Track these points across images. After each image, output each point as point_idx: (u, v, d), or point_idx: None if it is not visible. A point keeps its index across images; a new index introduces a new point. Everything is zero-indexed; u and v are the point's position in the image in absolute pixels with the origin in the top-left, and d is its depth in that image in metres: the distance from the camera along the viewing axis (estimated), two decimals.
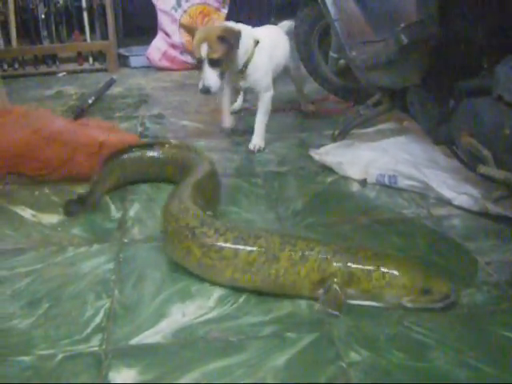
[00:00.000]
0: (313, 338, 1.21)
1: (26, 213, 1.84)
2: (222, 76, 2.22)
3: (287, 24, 2.91)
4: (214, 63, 2.18)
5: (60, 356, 1.17)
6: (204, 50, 2.16)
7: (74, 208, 1.79)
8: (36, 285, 1.43)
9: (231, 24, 2.33)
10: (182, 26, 2.40)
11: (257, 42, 2.34)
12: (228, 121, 2.59)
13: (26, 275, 1.47)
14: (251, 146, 2.38)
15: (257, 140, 2.40)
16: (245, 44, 2.27)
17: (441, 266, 1.48)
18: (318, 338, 1.21)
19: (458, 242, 1.61)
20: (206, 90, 2.19)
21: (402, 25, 1.64)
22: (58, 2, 3.91)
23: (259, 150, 2.37)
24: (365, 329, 1.24)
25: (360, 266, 1.30)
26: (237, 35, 2.21)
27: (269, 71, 2.45)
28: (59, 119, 2.34)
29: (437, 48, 1.63)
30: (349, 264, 1.30)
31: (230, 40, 2.17)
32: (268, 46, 2.44)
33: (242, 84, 2.42)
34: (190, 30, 2.33)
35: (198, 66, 2.25)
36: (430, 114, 1.81)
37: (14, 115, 2.19)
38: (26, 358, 1.17)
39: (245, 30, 2.30)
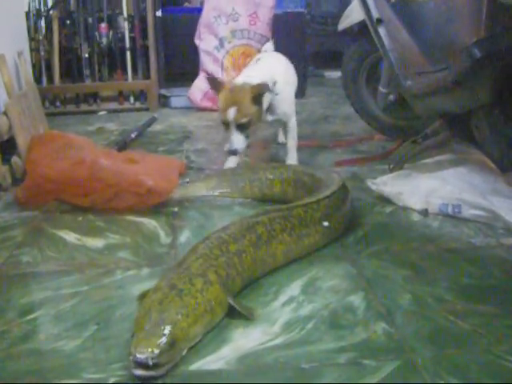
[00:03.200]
0: (395, 366, 1.07)
1: (70, 236, 1.75)
2: (248, 134, 2.14)
3: (270, 45, 2.85)
4: (241, 126, 2.10)
5: (111, 380, 1.05)
6: (232, 115, 2.07)
7: None
8: (82, 307, 1.33)
9: (249, 75, 2.23)
10: (209, 80, 2.29)
11: (275, 83, 2.23)
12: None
13: (72, 297, 1.37)
14: None
15: (293, 160, 2.40)
16: (267, 95, 2.18)
17: None
18: (401, 366, 1.07)
19: None
20: (234, 152, 2.14)
21: (474, 39, 1.55)
22: (102, 43, 3.93)
23: None
24: (452, 356, 1.10)
25: None
26: (266, 88, 2.12)
27: (293, 98, 2.42)
28: (103, 153, 2.28)
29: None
30: None
31: (261, 99, 2.11)
32: (283, 75, 2.37)
33: (269, 119, 2.33)
34: (216, 84, 2.21)
35: (224, 126, 2.16)
36: (500, 137, 1.70)
37: (58, 143, 2.12)
38: (73, 382, 1.05)
39: (265, 77, 2.18)
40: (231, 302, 1.24)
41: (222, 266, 1.30)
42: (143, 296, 1.23)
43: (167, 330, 1.07)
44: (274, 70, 2.34)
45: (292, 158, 2.41)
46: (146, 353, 1.01)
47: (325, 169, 2.27)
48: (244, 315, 1.24)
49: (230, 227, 1.47)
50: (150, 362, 1.01)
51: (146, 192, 1.91)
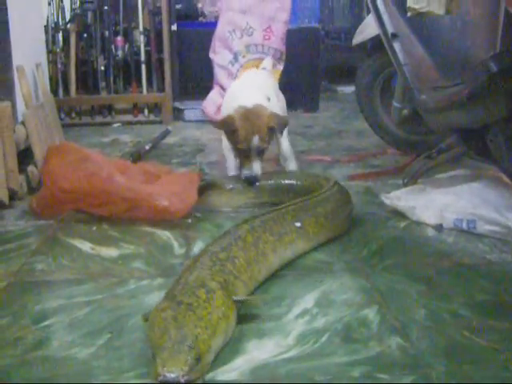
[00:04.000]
0: (409, 381, 1.06)
1: (84, 245, 1.76)
2: (262, 159, 2.19)
3: (268, 61, 2.95)
4: (261, 152, 2.14)
5: None
6: (255, 142, 2.10)
7: None
8: (96, 315, 1.33)
9: (249, 96, 2.27)
10: (215, 125, 2.42)
11: (268, 99, 2.30)
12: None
13: (85, 305, 1.38)
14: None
15: (293, 166, 2.43)
16: None
17: None
18: (416, 381, 1.06)
19: None
20: (255, 180, 2.13)
21: (490, 53, 1.54)
22: (118, 56, 3.98)
23: None
24: (468, 372, 1.09)
25: None
26: (286, 123, 2.22)
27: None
28: (118, 167, 2.29)
29: None
30: None
31: (277, 128, 2.15)
32: (274, 93, 2.46)
33: None
34: (227, 124, 2.17)
35: (240, 153, 2.16)
36: None
37: (74, 156, 2.12)
38: None
39: (264, 100, 2.26)
40: (237, 298, 1.25)
41: (217, 273, 1.30)
42: (147, 317, 1.19)
43: (191, 345, 1.03)
44: (267, 89, 2.43)
45: (293, 164, 2.43)
46: (176, 371, 0.97)
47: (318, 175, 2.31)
48: (253, 303, 1.31)
49: (215, 241, 1.49)
50: (182, 381, 0.97)
51: (162, 209, 1.93)
